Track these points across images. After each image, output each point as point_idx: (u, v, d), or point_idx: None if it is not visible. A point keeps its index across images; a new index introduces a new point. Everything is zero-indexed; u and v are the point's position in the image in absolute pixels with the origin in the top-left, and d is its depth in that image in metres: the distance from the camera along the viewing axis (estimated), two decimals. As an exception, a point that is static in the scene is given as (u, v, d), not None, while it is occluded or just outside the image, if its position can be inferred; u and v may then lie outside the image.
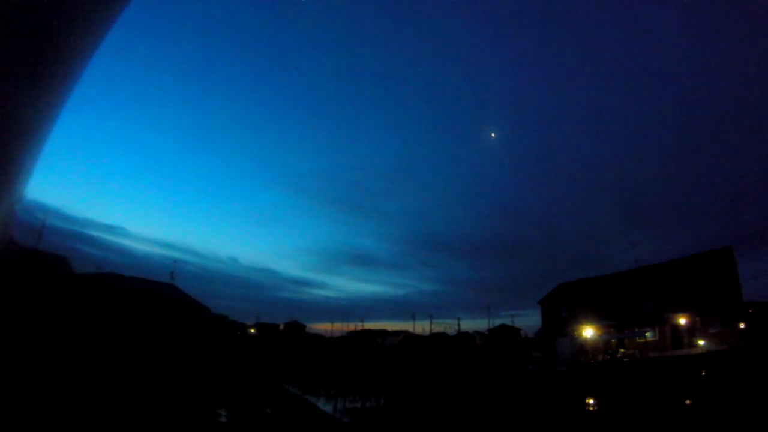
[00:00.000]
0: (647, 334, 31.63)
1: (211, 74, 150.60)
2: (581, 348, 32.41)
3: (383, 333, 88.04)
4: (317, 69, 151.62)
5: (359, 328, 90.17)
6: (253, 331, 78.17)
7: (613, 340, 33.17)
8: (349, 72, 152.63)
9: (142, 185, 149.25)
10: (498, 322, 77.40)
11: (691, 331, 29.62)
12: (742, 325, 27.32)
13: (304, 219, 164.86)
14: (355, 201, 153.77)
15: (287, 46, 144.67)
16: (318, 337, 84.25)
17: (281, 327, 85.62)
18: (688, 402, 14.71)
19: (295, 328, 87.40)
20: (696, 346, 27.90)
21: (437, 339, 71.12)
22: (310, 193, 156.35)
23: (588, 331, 34.19)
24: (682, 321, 30.11)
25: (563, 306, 39.60)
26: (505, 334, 70.02)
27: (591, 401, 16.07)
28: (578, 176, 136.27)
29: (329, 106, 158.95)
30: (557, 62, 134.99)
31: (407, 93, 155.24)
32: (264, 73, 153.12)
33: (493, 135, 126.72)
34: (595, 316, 35.29)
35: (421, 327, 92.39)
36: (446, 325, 78.18)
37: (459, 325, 76.55)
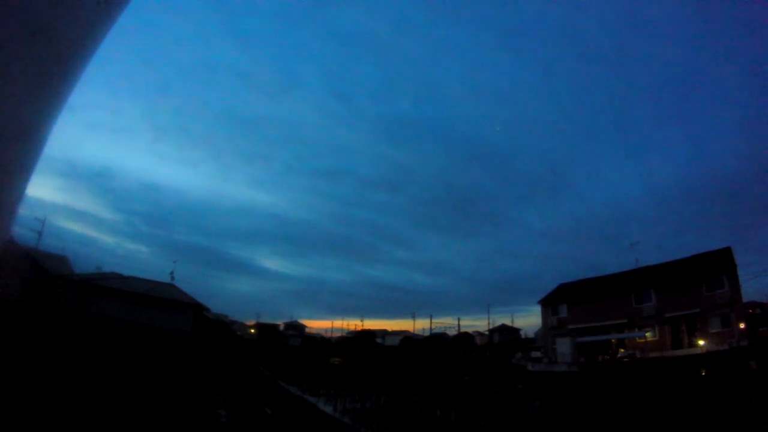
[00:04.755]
0: (647, 334, 31.63)
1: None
2: (581, 348, 32.39)
3: (383, 333, 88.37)
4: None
5: (359, 327, 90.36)
6: (252, 330, 78.39)
7: (613, 340, 33.17)
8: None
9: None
10: (498, 320, 77.61)
11: (691, 331, 29.64)
12: (742, 325, 27.33)
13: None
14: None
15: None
16: (319, 338, 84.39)
17: (281, 326, 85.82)
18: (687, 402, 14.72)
19: (296, 327, 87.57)
20: (696, 346, 27.92)
21: (437, 339, 71.25)
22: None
23: (588, 331, 34.18)
24: (682, 321, 30.11)
25: (563, 306, 39.59)
26: (505, 334, 70.10)
27: (591, 401, 16.06)
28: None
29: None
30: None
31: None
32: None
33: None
34: (596, 316, 35.27)
35: (421, 326, 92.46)
36: (446, 325, 78.34)
37: (459, 324, 76.65)
